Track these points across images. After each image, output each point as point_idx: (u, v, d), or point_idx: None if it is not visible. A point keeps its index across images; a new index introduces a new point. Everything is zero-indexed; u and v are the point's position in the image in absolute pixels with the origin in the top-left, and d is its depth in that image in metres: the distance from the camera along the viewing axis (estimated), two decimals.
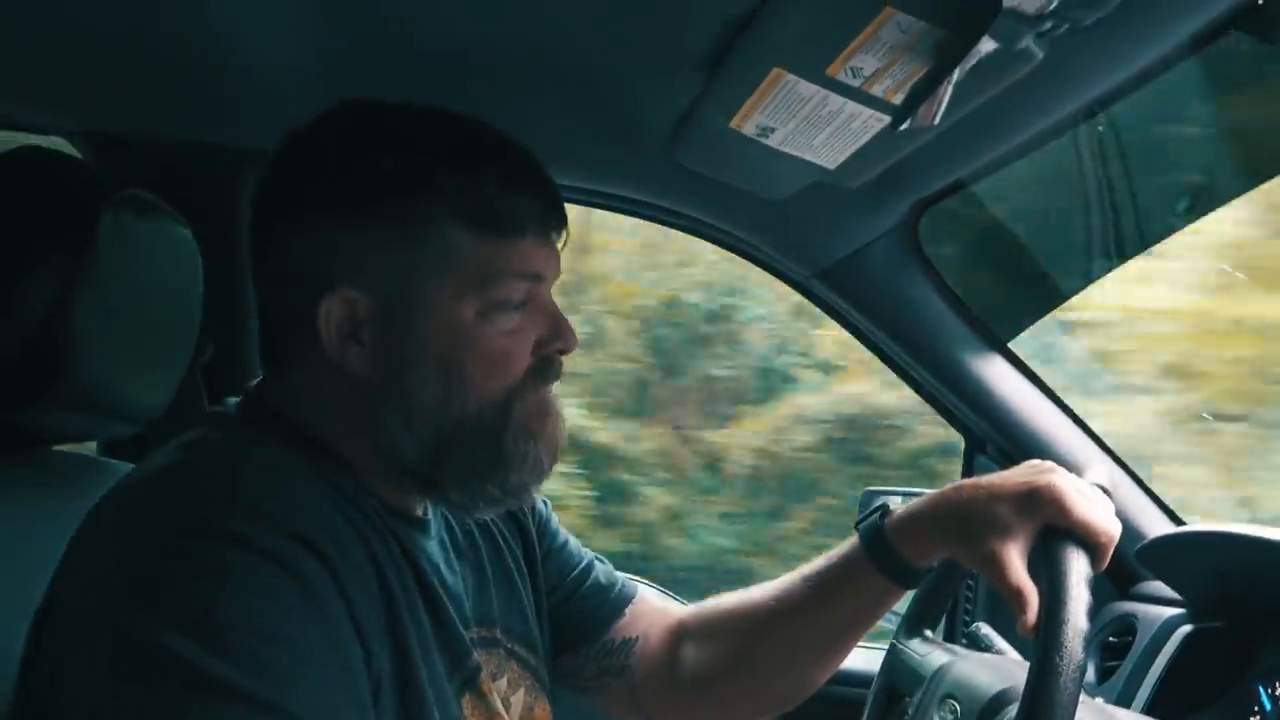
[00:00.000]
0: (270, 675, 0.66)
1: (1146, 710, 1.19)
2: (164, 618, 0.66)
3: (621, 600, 1.12)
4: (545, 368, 0.85)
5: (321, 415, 0.84)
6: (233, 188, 1.37)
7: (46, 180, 0.96)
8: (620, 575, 1.15)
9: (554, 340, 0.86)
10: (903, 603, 1.12)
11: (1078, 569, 0.81)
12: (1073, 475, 0.89)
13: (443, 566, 0.90)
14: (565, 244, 0.89)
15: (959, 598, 1.60)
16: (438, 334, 0.81)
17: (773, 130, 1.02)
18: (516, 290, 0.83)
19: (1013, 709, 0.78)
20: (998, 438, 1.50)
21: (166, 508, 0.74)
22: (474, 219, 0.81)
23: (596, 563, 1.13)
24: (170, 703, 0.65)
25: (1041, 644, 0.76)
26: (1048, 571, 0.82)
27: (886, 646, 1.16)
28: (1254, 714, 1.11)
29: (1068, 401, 1.52)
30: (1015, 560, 0.86)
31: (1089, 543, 0.84)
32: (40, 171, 0.96)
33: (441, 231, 0.81)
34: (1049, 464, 0.91)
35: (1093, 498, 0.87)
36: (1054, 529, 0.85)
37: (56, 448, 1.03)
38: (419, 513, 0.90)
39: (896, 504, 1.02)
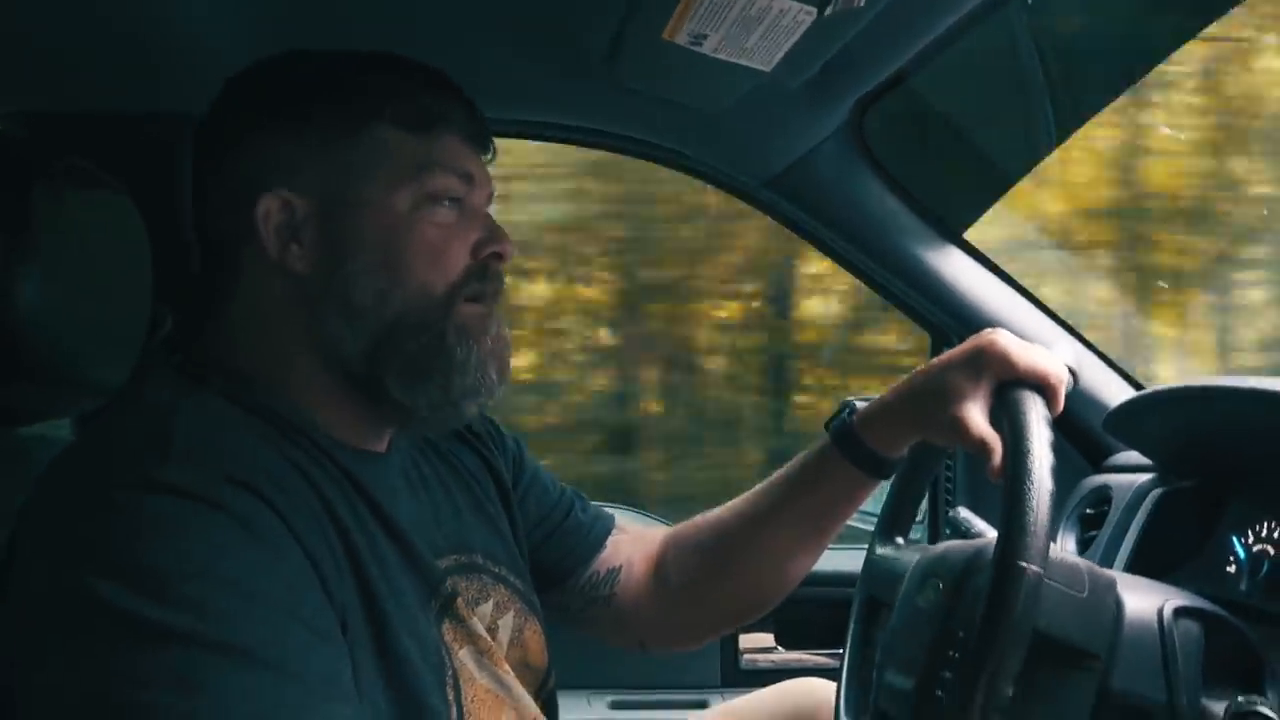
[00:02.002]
0: (214, 616, 0.66)
1: (1126, 572, 1.21)
2: (103, 572, 0.67)
3: (601, 532, 1.14)
4: (483, 273, 0.87)
5: (265, 338, 0.84)
6: (172, 154, 1.35)
7: None
8: (596, 506, 1.17)
9: (490, 243, 0.87)
10: (875, 503, 1.14)
11: (1035, 409, 0.85)
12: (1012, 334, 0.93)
13: (404, 497, 0.90)
14: (492, 160, 0.92)
15: (939, 496, 1.63)
16: (375, 226, 0.83)
17: (705, 37, 1.01)
18: (448, 183, 0.85)
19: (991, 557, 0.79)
20: (961, 329, 1.51)
21: (101, 465, 0.74)
22: (402, 117, 0.84)
23: (575, 497, 1.14)
24: (118, 655, 0.65)
25: (1010, 477, 0.78)
26: (1007, 416, 0.85)
27: (865, 547, 1.17)
28: (1229, 564, 1.14)
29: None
30: (976, 417, 0.91)
31: (1040, 387, 0.88)
32: None
33: (371, 130, 0.84)
34: (990, 328, 0.95)
35: (1035, 348, 0.91)
36: (1006, 383, 0.90)
37: (28, 430, 1.03)
38: (377, 447, 0.90)
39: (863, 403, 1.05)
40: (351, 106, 0.84)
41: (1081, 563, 0.85)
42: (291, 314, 0.84)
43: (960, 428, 0.91)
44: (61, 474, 0.76)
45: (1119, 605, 0.85)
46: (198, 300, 0.89)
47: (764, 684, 1.42)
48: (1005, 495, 0.78)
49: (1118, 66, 1.39)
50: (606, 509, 1.18)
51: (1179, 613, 0.86)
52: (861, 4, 0.86)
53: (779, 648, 1.69)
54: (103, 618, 0.66)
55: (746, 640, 1.68)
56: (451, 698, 0.82)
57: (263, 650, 0.67)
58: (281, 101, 0.85)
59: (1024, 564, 0.74)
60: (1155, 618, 0.85)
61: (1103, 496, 1.38)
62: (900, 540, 1.13)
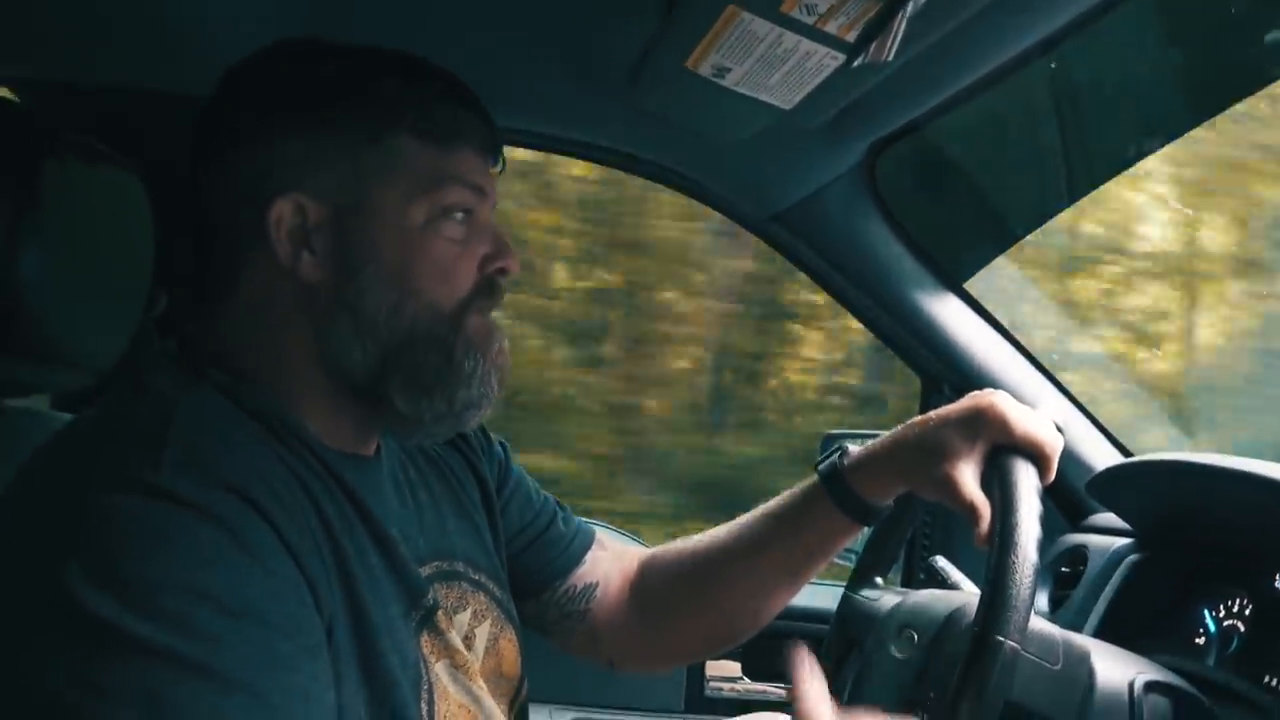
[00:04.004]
0: (195, 633, 0.64)
1: (1096, 635, 1.22)
2: (87, 576, 0.64)
3: (581, 546, 1.13)
4: (490, 287, 0.86)
5: (266, 341, 0.83)
6: (181, 136, 1.33)
7: None
8: (578, 519, 1.16)
9: (498, 258, 0.86)
10: (857, 540, 1.14)
11: (1027, 478, 0.85)
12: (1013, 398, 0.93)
13: (394, 503, 0.89)
14: (502, 171, 0.91)
15: (916, 540, 1.64)
16: (388, 239, 0.82)
17: (728, 70, 1.01)
18: (461, 197, 0.84)
19: (970, 621, 0.80)
20: (953, 376, 1.52)
21: (93, 462, 0.71)
22: (419, 127, 0.83)
23: (557, 508, 1.14)
24: (90, 663, 0.63)
25: (997, 547, 0.79)
26: (998, 483, 0.86)
27: (843, 584, 1.17)
28: (1199, 636, 1.15)
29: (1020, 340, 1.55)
30: (967, 479, 0.91)
31: (1034, 455, 0.89)
32: None
33: (388, 138, 0.82)
34: (990, 389, 0.95)
35: (1033, 414, 0.91)
36: (1000, 447, 0.90)
37: (8, 402, 1.02)
38: (366, 452, 0.89)
39: (855, 446, 1.05)
40: (375, 112, 0.82)
41: (1058, 633, 0.85)
42: (296, 320, 0.83)
43: (950, 488, 0.91)
44: (51, 466, 0.74)
45: (1091, 676, 0.86)
46: (194, 288, 0.88)
47: (727, 713, 1.43)
48: (989, 566, 0.78)
49: (1135, 136, 1.41)
50: (588, 524, 1.18)
51: (1149, 687, 0.87)
52: (890, 58, 0.87)
53: (745, 678, 1.69)
54: (78, 620, 0.64)
55: (713, 668, 1.68)
56: (425, 711, 0.81)
57: (240, 673, 0.65)
58: (300, 98, 0.83)
59: (1002, 639, 0.75)
60: (1126, 691, 0.86)
61: (1079, 556, 1.38)
62: (879, 580, 1.14)
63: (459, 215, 0.84)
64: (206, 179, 0.85)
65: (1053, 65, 1.23)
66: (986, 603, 0.77)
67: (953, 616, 0.89)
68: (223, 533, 0.68)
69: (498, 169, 0.90)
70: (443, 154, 0.84)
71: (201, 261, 0.86)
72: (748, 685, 1.69)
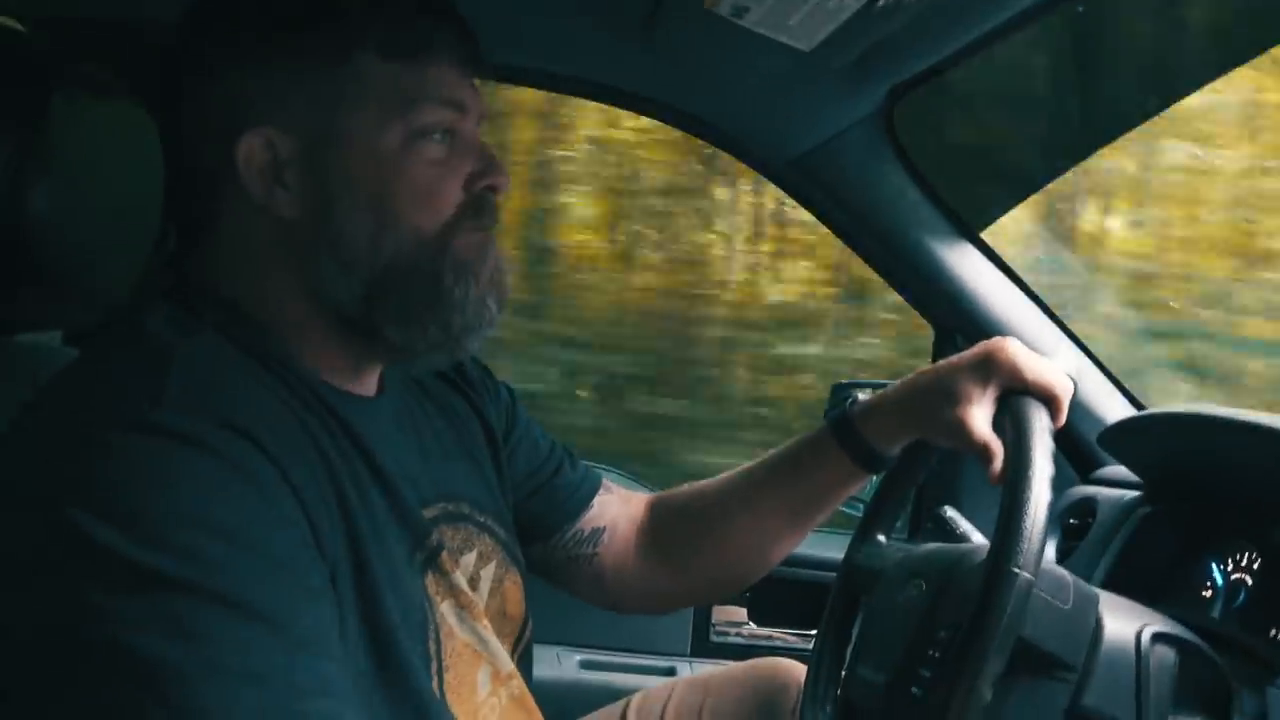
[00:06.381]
0: (207, 564, 0.64)
1: (1102, 587, 1.22)
2: (94, 512, 0.64)
3: (589, 491, 1.13)
4: (479, 206, 0.83)
5: (254, 278, 0.81)
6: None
7: None
8: (585, 464, 1.16)
9: (485, 175, 0.83)
10: (865, 490, 1.14)
11: (1039, 419, 0.86)
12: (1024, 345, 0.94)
13: (398, 444, 0.88)
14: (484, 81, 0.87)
15: (924, 492, 1.63)
16: (363, 167, 0.79)
17: (747, 10, 1.00)
18: (439, 116, 0.81)
19: (981, 561, 0.80)
20: (967, 327, 1.51)
21: (94, 401, 0.71)
22: (386, 45, 0.79)
23: (565, 454, 1.14)
24: (103, 597, 0.63)
25: (1010, 482, 0.79)
26: (1011, 423, 0.86)
27: (849, 533, 1.17)
28: (1205, 590, 1.15)
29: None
30: (979, 421, 0.92)
31: (1046, 398, 0.89)
32: None
33: (354, 60, 0.79)
34: (1001, 336, 0.96)
35: (1044, 360, 0.92)
36: (1012, 390, 0.91)
37: (25, 338, 1.01)
38: (367, 391, 0.88)
39: (866, 396, 1.05)
40: (334, 35, 0.79)
41: (1068, 575, 0.86)
42: (280, 258, 0.81)
43: (963, 430, 0.92)
44: (52, 405, 0.73)
45: (1099, 623, 0.86)
46: (188, 225, 0.87)
47: (732, 657, 1.44)
48: (1004, 500, 0.78)
49: (1154, 88, 1.38)
50: (595, 468, 1.18)
51: (1156, 638, 0.87)
52: None
53: (750, 623, 1.70)
54: (91, 557, 0.63)
55: (719, 613, 1.70)
56: (432, 651, 0.82)
57: (256, 603, 0.65)
58: (261, 28, 0.80)
59: (1017, 570, 0.75)
60: (1133, 640, 0.86)
61: (1087, 508, 1.38)
62: (883, 537, 1.14)
63: (438, 135, 0.81)
64: (180, 115, 0.83)
65: (1080, 8, 1.20)
66: (1001, 534, 0.77)
67: (963, 560, 0.89)
68: (227, 469, 0.68)
69: (481, 82, 0.86)
70: (414, 71, 0.80)
71: (185, 200, 0.85)
72: (753, 630, 1.70)
